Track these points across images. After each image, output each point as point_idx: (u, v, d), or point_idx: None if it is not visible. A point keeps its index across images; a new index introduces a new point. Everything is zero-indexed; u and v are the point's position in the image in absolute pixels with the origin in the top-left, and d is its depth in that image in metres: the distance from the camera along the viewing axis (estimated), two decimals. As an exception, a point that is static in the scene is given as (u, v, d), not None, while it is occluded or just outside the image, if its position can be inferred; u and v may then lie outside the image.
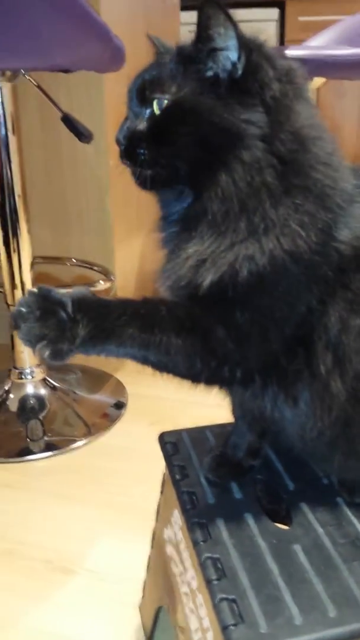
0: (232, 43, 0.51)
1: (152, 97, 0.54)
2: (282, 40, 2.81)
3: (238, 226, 0.52)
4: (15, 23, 0.85)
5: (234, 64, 0.52)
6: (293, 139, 0.52)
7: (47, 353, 0.50)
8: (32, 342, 0.50)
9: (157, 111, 0.54)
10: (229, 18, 0.51)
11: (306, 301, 0.54)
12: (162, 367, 0.56)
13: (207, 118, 0.52)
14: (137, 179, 0.56)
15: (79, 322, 0.51)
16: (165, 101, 0.53)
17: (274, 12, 2.76)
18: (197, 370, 0.55)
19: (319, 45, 1.78)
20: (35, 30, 0.88)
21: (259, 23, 2.77)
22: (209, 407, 0.72)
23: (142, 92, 0.55)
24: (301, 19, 2.71)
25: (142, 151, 0.55)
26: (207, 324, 0.54)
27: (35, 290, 0.52)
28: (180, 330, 0.53)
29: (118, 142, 0.57)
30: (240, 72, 0.52)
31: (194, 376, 0.56)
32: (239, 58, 0.51)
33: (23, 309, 0.50)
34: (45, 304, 0.51)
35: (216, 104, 0.52)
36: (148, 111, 0.55)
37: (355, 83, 2.70)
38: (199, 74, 0.53)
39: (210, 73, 0.52)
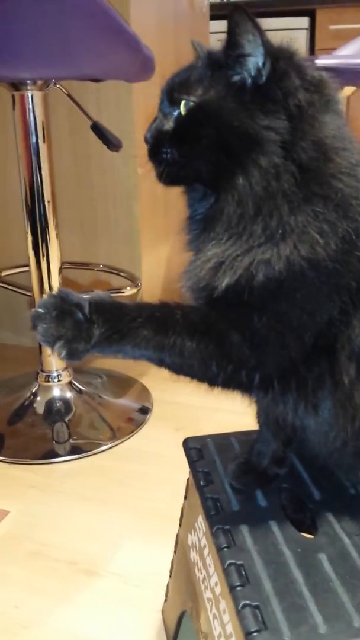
0: (259, 50, 0.53)
1: (179, 98, 0.56)
2: (312, 49, 2.81)
3: (254, 230, 0.53)
4: (46, 34, 0.87)
5: (258, 70, 0.53)
6: (315, 148, 0.53)
7: (64, 353, 0.52)
8: (49, 342, 0.52)
9: (183, 111, 0.56)
10: (256, 25, 0.52)
11: (327, 311, 0.54)
12: (178, 369, 0.57)
13: (228, 121, 0.53)
14: (157, 174, 0.59)
15: (94, 323, 0.52)
16: (191, 103, 0.55)
17: (304, 21, 2.76)
18: (213, 373, 0.55)
19: (350, 54, 1.77)
20: (66, 40, 0.90)
21: (290, 32, 2.77)
22: (234, 414, 0.72)
23: (171, 93, 0.57)
24: (332, 27, 2.70)
25: (166, 150, 0.57)
26: (222, 327, 0.55)
27: (53, 292, 0.54)
28: (194, 333, 0.54)
29: (146, 140, 0.59)
30: (264, 78, 0.53)
31: (211, 379, 0.57)
32: (263, 64, 0.53)
33: (41, 310, 0.52)
34: (62, 306, 0.52)
35: (239, 108, 0.53)
36: (175, 112, 0.57)
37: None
38: (226, 78, 0.54)
39: (237, 78, 0.54)
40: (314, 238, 0.52)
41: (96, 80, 1.20)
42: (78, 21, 0.89)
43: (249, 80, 0.53)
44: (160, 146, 0.58)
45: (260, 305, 0.54)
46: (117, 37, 0.97)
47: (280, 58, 0.54)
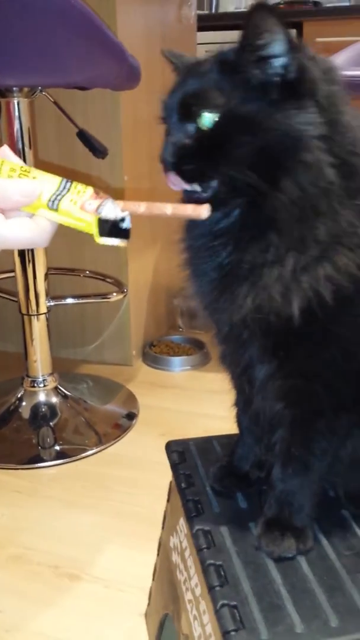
0: (285, 47, 0.49)
1: (200, 111, 0.51)
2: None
3: (310, 237, 0.50)
4: (32, 42, 0.88)
5: (286, 67, 0.50)
6: (349, 140, 0.51)
7: None
8: None
9: (206, 125, 0.51)
10: (279, 23, 0.49)
11: None
12: None
13: (263, 125, 0.50)
14: (203, 198, 0.53)
15: None
16: (217, 114, 0.51)
17: (291, 33, 2.80)
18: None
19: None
20: (52, 49, 0.91)
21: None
22: (219, 419, 0.73)
23: (186, 106, 0.52)
24: (319, 39, 2.73)
25: (192, 167, 0.52)
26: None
27: None
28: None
29: (164, 161, 0.54)
30: (294, 74, 0.50)
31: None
32: (290, 61, 0.50)
33: None
34: None
35: (270, 109, 0.50)
36: (193, 126, 0.52)
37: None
38: (246, 81, 0.50)
39: (258, 79, 0.50)
40: None
41: (82, 88, 1.21)
42: (63, 30, 0.91)
43: (276, 79, 0.50)
44: (184, 163, 0.52)
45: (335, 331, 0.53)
46: (102, 46, 0.98)
47: (300, 51, 0.51)
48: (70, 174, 1.62)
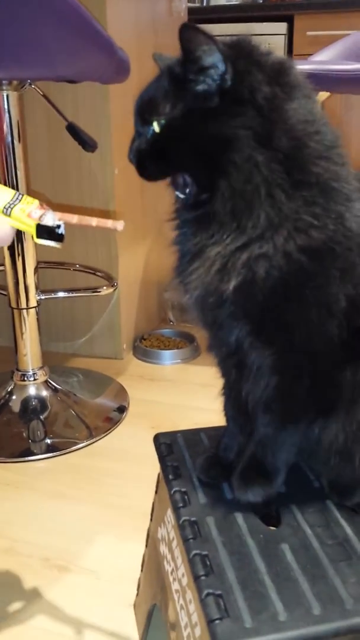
0: (217, 57, 0.53)
1: (150, 119, 0.57)
2: (290, 54, 2.84)
3: (251, 224, 0.54)
4: (19, 34, 0.88)
5: (221, 76, 0.54)
6: (289, 136, 0.54)
7: None
8: None
9: (156, 131, 0.57)
10: (208, 36, 0.53)
11: (345, 297, 0.55)
12: None
13: (198, 132, 0.55)
14: (182, 200, 0.60)
15: None
16: (163, 121, 0.56)
17: (282, 27, 2.79)
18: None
19: (324, 60, 1.80)
20: (41, 41, 0.91)
21: (268, 37, 2.80)
22: (209, 412, 0.74)
23: (141, 114, 0.58)
24: (309, 33, 2.73)
25: (148, 168, 0.60)
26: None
27: None
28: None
29: (130, 161, 0.61)
30: (229, 82, 0.54)
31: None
32: (225, 69, 0.54)
33: None
34: None
35: (207, 117, 0.54)
36: (150, 130, 0.58)
37: (362, 96, 2.73)
38: (190, 90, 0.55)
39: (200, 88, 0.55)
40: (308, 222, 0.53)
41: (72, 82, 1.21)
42: (51, 22, 0.90)
43: (214, 88, 0.54)
44: (143, 165, 0.60)
45: (274, 308, 0.55)
46: (90, 39, 0.98)
47: (239, 57, 0.55)
48: (61, 170, 1.63)
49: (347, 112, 2.77)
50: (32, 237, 0.61)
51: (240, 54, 0.55)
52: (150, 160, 0.59)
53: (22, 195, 0.61)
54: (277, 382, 0.61)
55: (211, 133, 0.54)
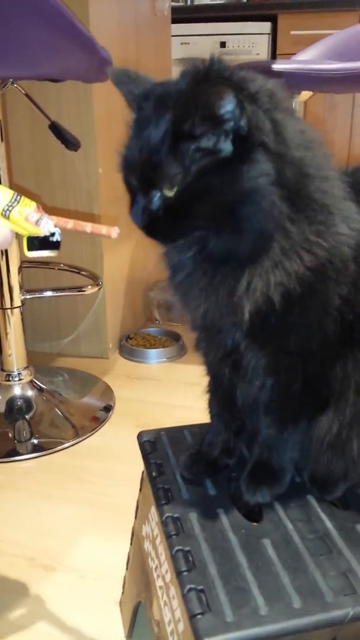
0: (233, 103, 0.49)
1: (160, 185, 0.53)
2: (274, 54, 2.85)
3: (263, 257, 0.55)
4: (2, 33, 0.88)
5: (238, 127, 0.50)
6: (293, 170, 0.53)
7: None
8: None
9: (168, 195, 0.53)
10: (240, 100, 0.49)
11: (338, 293, 0.58)
12: None
13: (217, 189, 0.52)
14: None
15: None
16: (176, 187, 0.52)
17: (266, 26, 2.80)
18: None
19: (307, 59, 1.81)
20: (22, 40, 0.91)
21: (252, 36, 2.81)
22: (194, 410, 0.75)
23: (147, 180, 0.54)
24: (293, 32, 2.75)
25: (161, 232, 0.56)
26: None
27: None
28: None
29: (136, 224, 0.57)
30: (246, 128, 0.50)
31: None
32: (241, 119, 0.50)
33: None
34: None
35: (223, 170, 0.51)
36: (158, 194, 0.54)
37: (346, 96, 2.75)
38: (201, 147, 0.51)
39: (210, 143, 0.51)
40: (314, 242, 0.54)
41: (55, 81, 1.21)
42: (33, 21, 0.90)
43: (230, 138, 0.51)
44: (155, 228, 0.56)
45: (275, 316, 0.57)
46: (72, 38, 0.98)
47: (240, 93, 0.50)
48: (45, 169, 1.62)
49: (331, 111, 2.79)
50: (24, 248, 0.59)
51: (246, 98, 0.50)
52: (165, 224, 0.55)
53: (21, 196, 0.58)
54: (274, 382, 0.62)
55: (233, 188, 0.51)
